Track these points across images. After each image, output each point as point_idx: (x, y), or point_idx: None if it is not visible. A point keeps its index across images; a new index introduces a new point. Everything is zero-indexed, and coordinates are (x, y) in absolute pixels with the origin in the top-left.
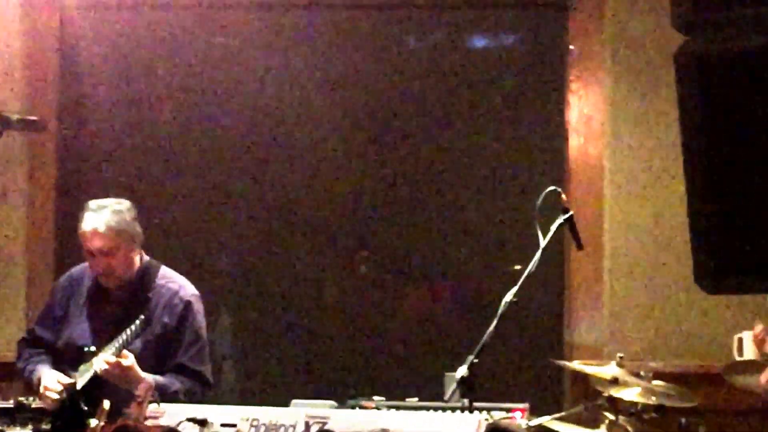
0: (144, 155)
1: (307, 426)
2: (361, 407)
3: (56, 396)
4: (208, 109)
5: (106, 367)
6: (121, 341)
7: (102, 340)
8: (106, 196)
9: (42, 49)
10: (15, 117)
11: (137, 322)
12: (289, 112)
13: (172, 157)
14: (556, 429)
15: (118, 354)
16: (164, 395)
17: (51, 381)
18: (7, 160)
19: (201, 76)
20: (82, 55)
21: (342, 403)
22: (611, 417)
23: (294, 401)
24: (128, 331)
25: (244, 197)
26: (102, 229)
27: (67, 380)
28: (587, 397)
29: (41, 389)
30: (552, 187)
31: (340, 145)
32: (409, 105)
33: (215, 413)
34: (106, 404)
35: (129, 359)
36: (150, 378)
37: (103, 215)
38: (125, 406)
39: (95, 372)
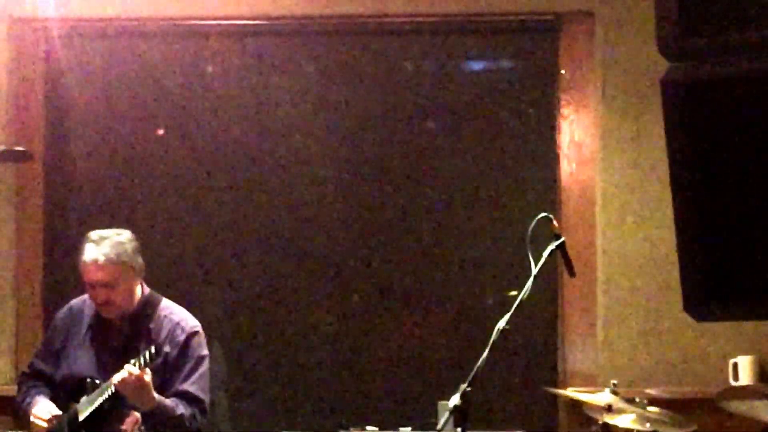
0: (131, 185)
1: None
2: None
3: (44, 424)
4: (196, 138)
5: (125, 375)
6: (139, 360)
7: (103, 372)
8: (94, 225)
9: (27, 79)
10: (1, 148)
11: (147, 353)
12: (280, 140)
13: (160, 186)
14: None
15: (143, 367)
16: (171, 418)
17: (40, 410)
18: None
19: (189, 104)
20: (68, 84)
21: None
22: None
23: None
24: (137, 362)
25: (233, 226)
26: (102, 260)
27: (57, 412)
28: (582, 424)
29: (31, 418)
30: (543, 214)
31: (332, 172)
32: (400, 131)
33: None
34: None
35: (147, 375)
36: (157, 398)
37: (103, 247)
38: None
39: (101, 401)
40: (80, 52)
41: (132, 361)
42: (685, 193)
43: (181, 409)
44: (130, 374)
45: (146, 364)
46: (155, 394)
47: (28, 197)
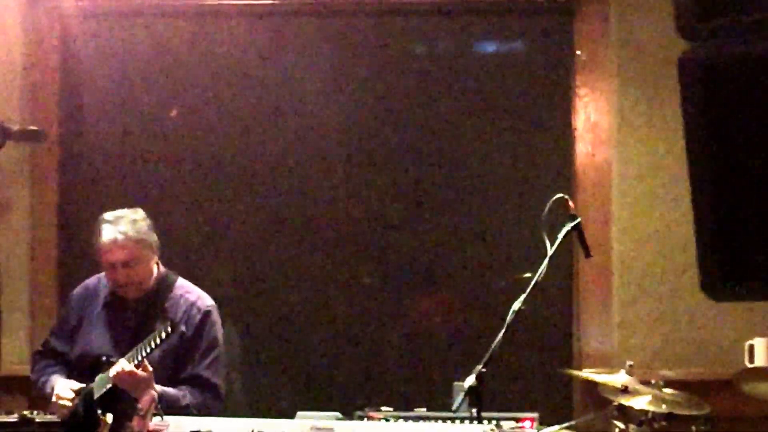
0: (145, 164)
1: None
2: (369, 418)
3: (68, 404)
4: (210, 118)
5: (119, 371)
6: (144, 348)
7: (119, 350)
8: (109, 205)
9: (42, 59)
10: (16, 127)
11: (162, 329)
12: (292, 120)
13: (173, 166)
14: None
15: (139, 363)
16: (176, 408)
17: (63, 389)
18: (9, 170)
19: (202, 84)
20: (83, 64)
21: (349, 414)
22: (621, 426)
23: (299, 413)
24: (152, 339)
25: (247, 207)
26: (121, 239)
27: (78, 386)
28: (597, 405)
29: (53, 398)
30: (559, 195)
31: (344, 153)
32: (415, 112)
33: (220, 426)
34: (109, 418)
35: (145, 372)
36: (159, 390)
37: (121, 226)
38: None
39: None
40: (95, 32)
41: (144, 343)
42: (703, 173)
43: (188, 399)
44: (123, 370)
45: (160, 343)
46: (158, 387)
47: (43, 177)
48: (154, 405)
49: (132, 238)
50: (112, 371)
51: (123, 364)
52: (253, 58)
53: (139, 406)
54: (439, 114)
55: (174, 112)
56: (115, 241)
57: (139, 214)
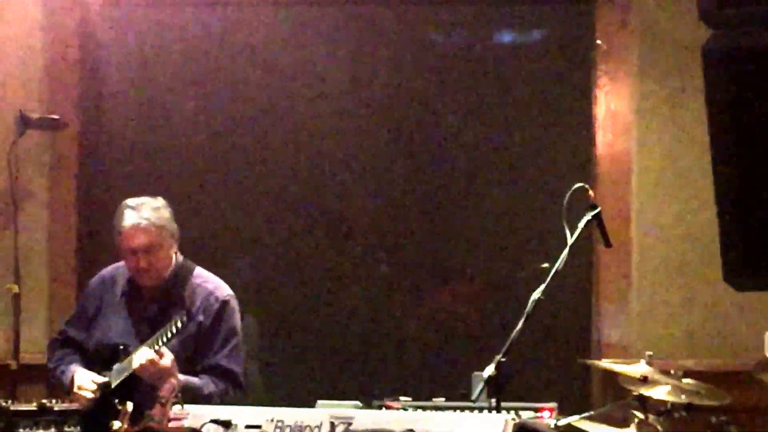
0: (165, 153)
1: (333, 427)
2: (387, 407)
3: (90, 395)
4: (229, 107)
5: (143, 362)
6: (160, 338)
7: (136, 339)
8: (128, 194)
9: (62, 47)
10: (35, 116)
11: (178, 319)
12: (310, 110)
13: (192, 156)
14: (584, 428)
15: (157, 351)
16: (197, 397)
17: (85, 380)
18: (28, 159)
19: (222, 73)
20: (103, 52)
21: (368, 404)
22: (641, 416)
23: (319, 402)
24: (169, 328)
25: (265, 196)
26: (144, 224)
27: (101, 380)
28: (616, 396)
29: (75, 388)
30: (579, 184)
31: (363, 142)
32: (434, 102)
33: (240, 415)
34: (129, 406)
35: (166, 358)
36: (183, 379)
37: (143, 212)
38: (151, 408)
39: (131, 370)
40: (115, 21)
41: (162, 331)
42: (726, 162)
43: (211, 387)
44: (146, 360)
45: (177, 332)
46: (181, 376)
47: (62, 165)
48: (174, 393)
49: (154, 223)
50: (136, 362)
51: (145, 353)
52: (273, 48)
53: (161, 394)
54: (459, 103)
55: (193, 102)
56: (137, 227)
57: (160, 201)
